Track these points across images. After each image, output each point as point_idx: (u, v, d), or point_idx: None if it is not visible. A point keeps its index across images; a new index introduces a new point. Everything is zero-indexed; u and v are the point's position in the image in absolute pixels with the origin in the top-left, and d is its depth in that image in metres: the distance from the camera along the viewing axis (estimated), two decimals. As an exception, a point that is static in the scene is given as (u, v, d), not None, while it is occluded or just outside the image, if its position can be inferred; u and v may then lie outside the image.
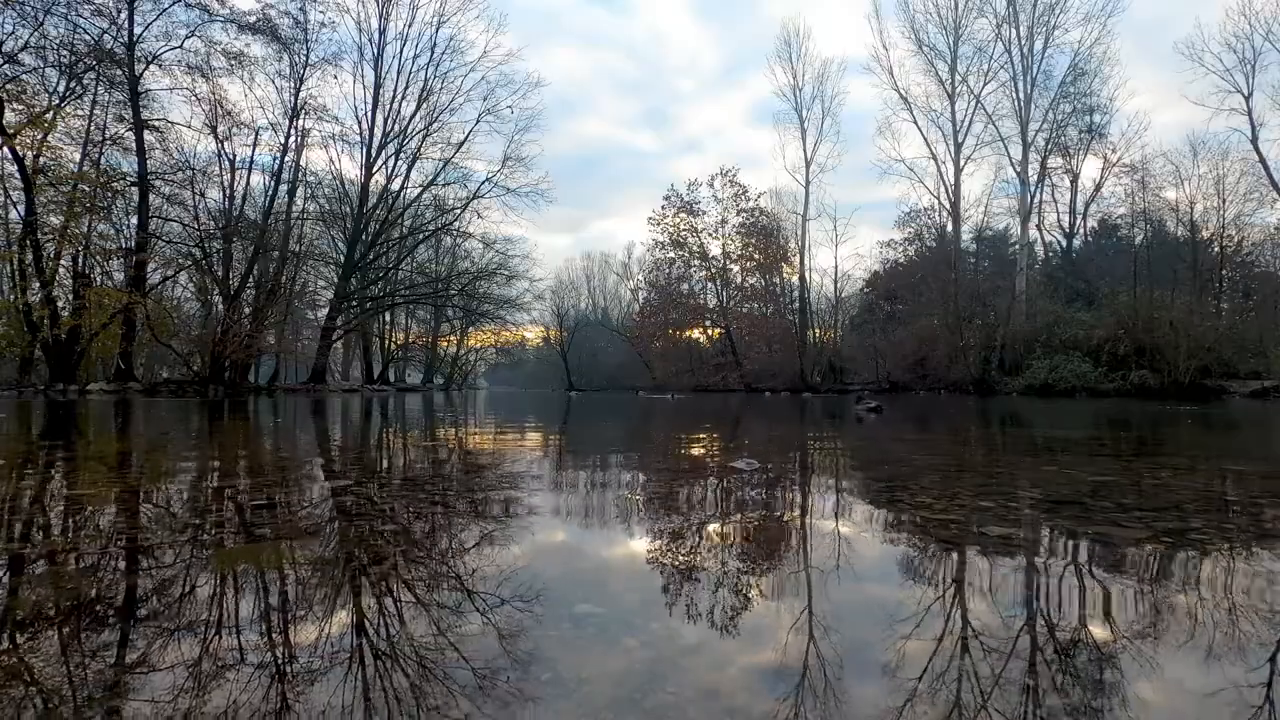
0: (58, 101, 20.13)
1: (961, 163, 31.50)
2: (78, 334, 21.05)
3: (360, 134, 29.66)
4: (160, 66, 22.20)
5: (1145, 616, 1.29)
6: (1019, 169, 30.73)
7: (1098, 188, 33.51)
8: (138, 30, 21.45)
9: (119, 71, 21.01)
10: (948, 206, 32.31)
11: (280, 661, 1.06)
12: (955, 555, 1.75)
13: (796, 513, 2.36)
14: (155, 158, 22.55)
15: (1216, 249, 26.76)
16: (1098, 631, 1.21)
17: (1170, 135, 55.27)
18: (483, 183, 31.33)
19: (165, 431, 6.09)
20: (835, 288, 37.21)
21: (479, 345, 49.33)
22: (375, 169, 29.86)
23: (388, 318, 41.94)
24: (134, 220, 22.57)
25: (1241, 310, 26.14)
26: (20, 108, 19.36)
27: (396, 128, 29.75)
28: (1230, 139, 27.39)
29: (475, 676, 1.00)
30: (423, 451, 4.47)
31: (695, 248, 39.67)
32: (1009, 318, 27.38)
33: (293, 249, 27.03)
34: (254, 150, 25.47)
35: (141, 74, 21.57)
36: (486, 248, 35.69)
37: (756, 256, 38.33)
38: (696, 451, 4.63)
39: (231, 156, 24.91)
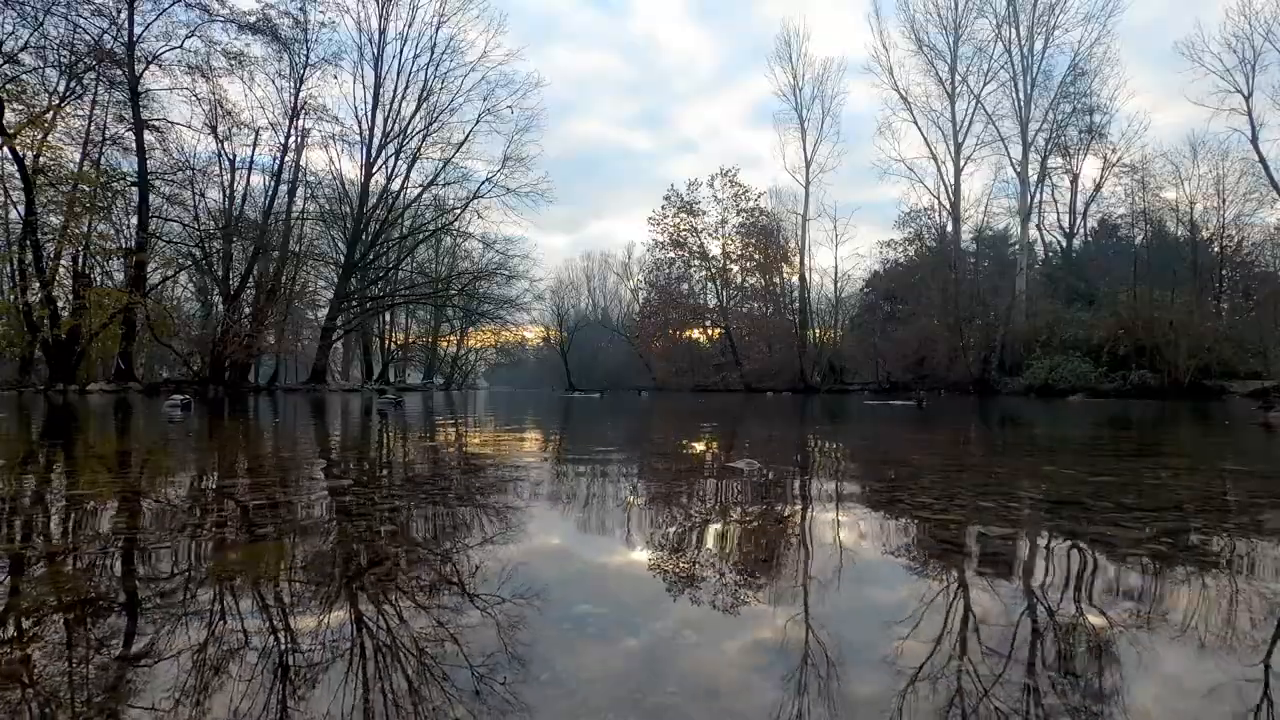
0: (58, 101, 20.15)
1: (961, 163, 31.49)
2: (78, 334, 21.06)
3: (360, 134, 29.69)
4: (160, 66, 22.27)
5: (1146, 616, 1.29)
6: (1019, 169, 30.72)
7: (1098, 188, 33.47)
8: (138, 30, 21.51)
9: (119, 71, 21.02)
10: (948, 206, 32.30)
11: (282, 661, 1.06)
12: (955, 556, 1.75)
13: (796, 513, 2.36)
14: (155, 158, 22.62)
15: (1216, 249, 26.74)
16: (1098, 631, 1.21)
17: (1170, 135, 55.23)
18: (483, 183, 31.34)
19: (165, 433, 6.09)
20: (835, 288, 37.19)
21: (479, 345, 49.30)
22: (375, 169, 29.89)
23: (388, 318, 41.90)
24: (134, 220, 22.60)
25: (1241, 310, 26.12)
26: (20, 108, 19.38)
27: (396, 128, 29.78)
28: (1230, 139, 27.16)
29: (477, 676, 1.00)
30: (423, 451, 4.47)
31: (695, 248, 39.69)
32: (1009, 318, 27.37)
33: (293, 249, 27.04)
34: (254, 150, 25.54)
35: (141, 74, 21.59)
36: (486, 248, 35.71)
37: (756, 256, 38.30)
38: (697, 451, 4.63)
39: (231, 156, 24.98)
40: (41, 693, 0.94)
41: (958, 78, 31.25)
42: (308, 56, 25.73)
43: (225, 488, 2.81)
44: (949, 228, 32.71)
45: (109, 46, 20.81)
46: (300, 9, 24.67)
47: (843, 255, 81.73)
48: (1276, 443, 5.58)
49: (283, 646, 1.12)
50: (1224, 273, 27.01)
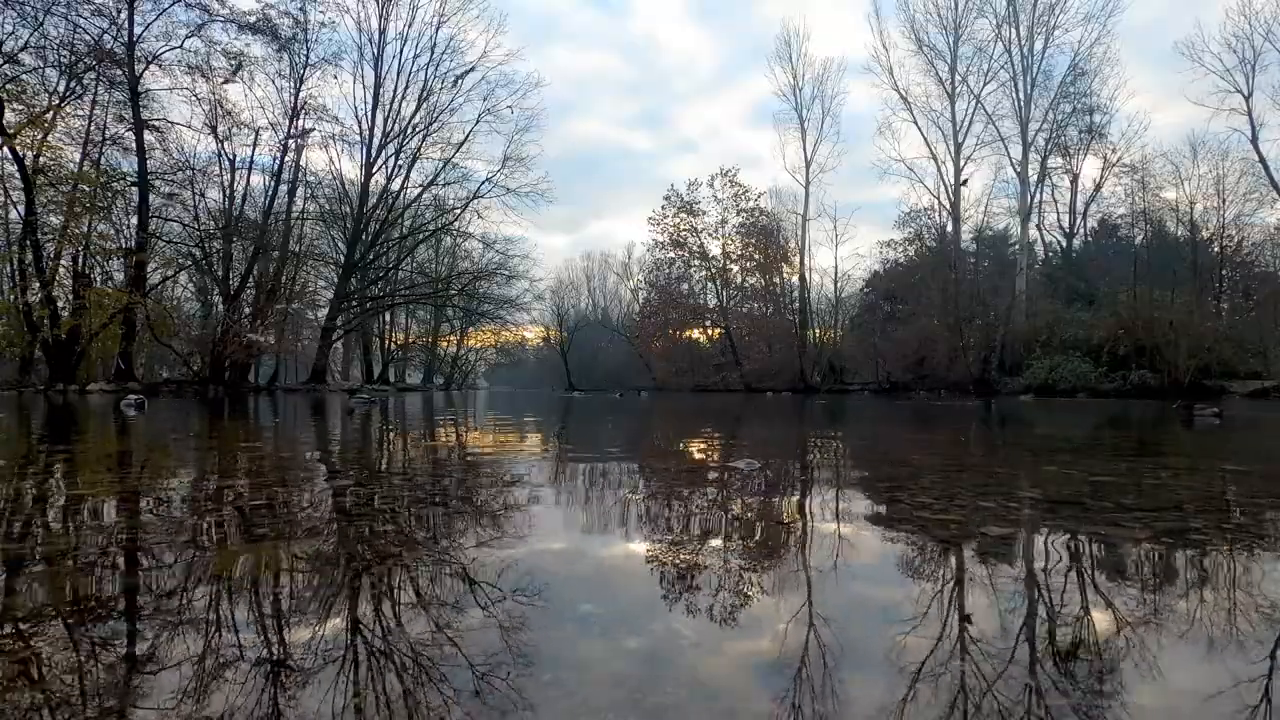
0: (58, 101, 20.13)
1: (961, 163, 31.44)
2: (78, 334, 21.05)
3: (360, 134, 29.66)
4: (160, 66, 22.25)
5: (1145, 617, 1.29)
6: (1019, 169, 30.69)
7: (1098, 188, 33.47)
8: (138, 30, 21.49)
9: (119, 71, 21.01)
10: (948, 206, 32.27)
11: (283, 661, 1.06)
12: (954, 556, 1.76)
13: (796, 513, 2.36)
14: (155, 158, 22.60)
15: (1216, 249, 26.73)
16: (1097, 632, 1.21)
17: (1170, 135, 55.18)
18: (483, 183, 31.32)
19: (166, 432, 6.09)
20: (835, 288, 37.18)
21: (479, 345, 49.31)
22: (375, 169, 29.86)
23: (388, 318, 41.90)
24: (134, 220, 22.58)
25: (1241, 310, 26.12)
26: (20, 108, 19.37)
27: (396, 128, 29.76)
28: (1230, 139, 27.13)
29: (478, 676, 1.00)
30: (423, 451, 4.47)
31: (695, 248, 39.71)
32: (1009, 318, 27.36)
33: (293, 249, 27.03)
34: (254, 150, 25.51)
35: (141, 74, 21.58)
36: (486, 248, 35.72)
37: (756, 256, 38.31)
38: (697, 451, 4.63)
39: (231, 156, 24.95)
40: (32, 695, 0.94)
41: (958, 78, 31.22)
42: (308, 56, 25.75)
43: (224, 487, 2.81)
44: (949, 228, 32.69)
45: (109, 46, 20.79)
46: (300, 9, 24.69)
47: (843, 255, 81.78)
48: (1274, 442, 5.58)
49: (283, 646, 1.12)
50: (1224, 273, 27.01)
